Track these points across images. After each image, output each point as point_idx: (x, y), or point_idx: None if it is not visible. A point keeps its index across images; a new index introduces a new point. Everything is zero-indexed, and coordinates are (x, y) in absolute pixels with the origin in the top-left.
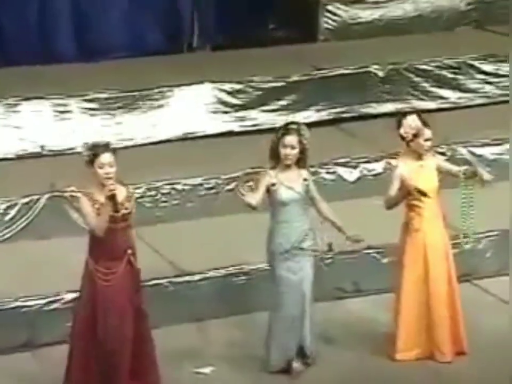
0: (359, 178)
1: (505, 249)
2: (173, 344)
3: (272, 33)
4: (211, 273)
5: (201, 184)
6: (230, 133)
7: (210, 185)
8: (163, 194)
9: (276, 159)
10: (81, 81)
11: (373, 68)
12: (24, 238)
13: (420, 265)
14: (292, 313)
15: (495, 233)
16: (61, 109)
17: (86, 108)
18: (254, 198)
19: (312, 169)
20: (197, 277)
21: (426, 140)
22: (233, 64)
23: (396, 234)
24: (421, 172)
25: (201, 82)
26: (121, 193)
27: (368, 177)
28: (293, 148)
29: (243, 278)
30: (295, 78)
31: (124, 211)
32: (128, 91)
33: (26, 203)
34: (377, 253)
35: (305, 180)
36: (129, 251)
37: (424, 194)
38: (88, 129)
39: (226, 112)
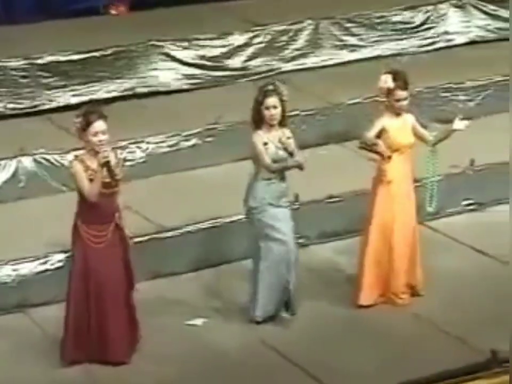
0: None
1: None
2: (159, 297)
3: None
4: (189, 228)
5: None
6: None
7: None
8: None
9: (259, 120)
10: None
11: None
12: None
13: (388, 215)
14: (277, 265)
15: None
16: None
17: None
18: (265, 158)
19: None
20: (175, 232)
21: (397, 100)
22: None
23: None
24: (400, 127)
25: None
26: (112, 159)
27: None
28: (275, 107)
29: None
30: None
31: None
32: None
33: None
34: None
35: (288, 138)
36: (117, 214)
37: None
38: None
39: None
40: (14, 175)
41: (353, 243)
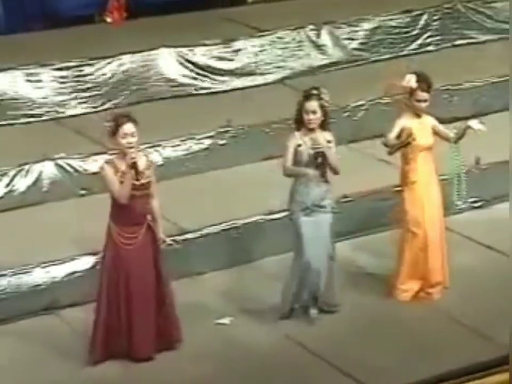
0: None
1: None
2: (185, 298)
3: None
4: (208, 230)
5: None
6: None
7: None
8: None
9: (300, 122)
10: None
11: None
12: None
13: (419, 215)
14: (311, 265)
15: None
16: None
17: None
18: (287, 159)
19: None
20: (195, 234)
21: (418, 100)
22: (176, 29)
23: None
24: (420, 129)
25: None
26: (142, 161)
27: None
28: (314, 112)
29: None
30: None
31: (144, 179)
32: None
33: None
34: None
35: (328, 141)
36: (149, 217)
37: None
38: None
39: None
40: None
41: (368, 240)
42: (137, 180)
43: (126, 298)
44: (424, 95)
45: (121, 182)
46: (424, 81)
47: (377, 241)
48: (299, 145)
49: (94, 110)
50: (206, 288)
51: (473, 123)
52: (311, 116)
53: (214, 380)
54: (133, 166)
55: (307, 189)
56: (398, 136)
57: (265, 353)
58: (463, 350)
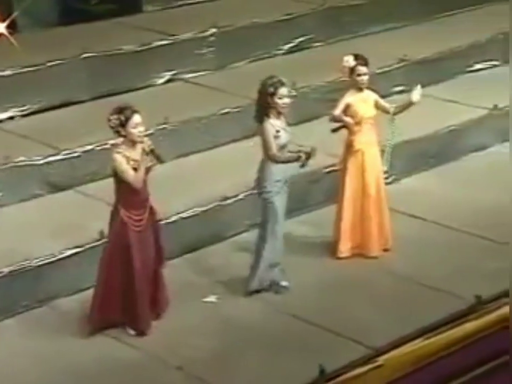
0: None
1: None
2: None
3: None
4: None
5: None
6: None
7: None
8: None
9: (265, 111)
10: None
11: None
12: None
13: (358, 180)
14: (276, 245)
15: None
16: None
17: None
18: (272, 148)
19: None
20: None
21: (359, 75)
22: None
23: None
24: (363, 102)
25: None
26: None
27: None
28: (287, 96)
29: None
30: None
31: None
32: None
33: None
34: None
35: (288, 123)
36: (151, 198)
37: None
38: None
39: None
40: None
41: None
42: (160, 161)
43: (130, 275)
44: (363, 69)
45: (134, 169)
46: (361, 58)
47: (314, 217)
48: (277, 131)
49: None
50: (185, 269)
51: (416, 96)
52: (286, 100)
53: (221, 353)
54: (152, 151)
55: (283, 167)
56: (344, 112)
57: (257, 325)
58: (427, 306)
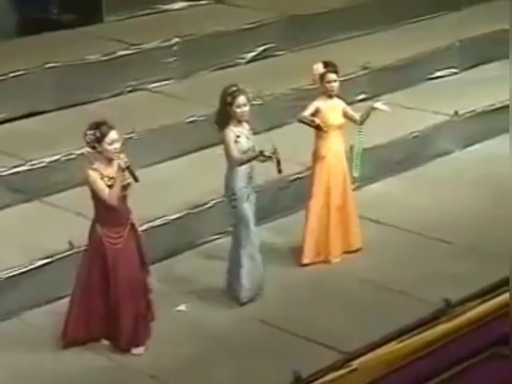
0: None
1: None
2: None
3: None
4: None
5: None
6: None
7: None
8: None
9: (226, 119)
10: None
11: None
12: None
13: (324, 186)
14: (255, 246)
15: None
16: None
17: None
18: (233, 150)
19: None
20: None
21: (329, 82)
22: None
23: None
24: (332, 110)
25: None
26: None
27: None
28: (245, 105)
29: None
30: None
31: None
32: None
33: None
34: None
35: (252, 129)
36: (131, 215)
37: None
38: None
39: None
40: None
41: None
42: (135, 179)
43: (115, 292)
44: (333, 76)
45: (109, 186)
46: (331, 65)
47: (282, 224)
48: (238, 136)
49: None
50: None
51: (378, 104)
52: (245, 108)
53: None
54: (128, 168)
55: (250, 173)
56: (313, 115)
57: (230, 333)
58: (396, 311)
